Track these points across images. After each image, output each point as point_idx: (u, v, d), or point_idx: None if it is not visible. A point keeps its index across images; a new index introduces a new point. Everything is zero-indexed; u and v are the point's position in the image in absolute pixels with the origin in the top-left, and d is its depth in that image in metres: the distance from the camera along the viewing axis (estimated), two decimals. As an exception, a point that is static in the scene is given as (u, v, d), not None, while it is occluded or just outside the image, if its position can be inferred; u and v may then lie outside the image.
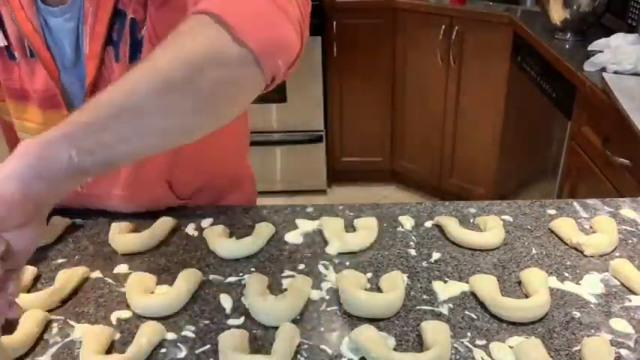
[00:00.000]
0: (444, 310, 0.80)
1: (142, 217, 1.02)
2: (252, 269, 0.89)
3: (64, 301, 0.83)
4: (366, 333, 0.73)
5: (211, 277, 0.88)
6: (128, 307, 0.82)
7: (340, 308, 0.81)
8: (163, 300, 0.81)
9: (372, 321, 0.78)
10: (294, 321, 0.78)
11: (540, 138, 2.29)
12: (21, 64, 0.90)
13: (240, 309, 0.81)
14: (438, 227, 0.98)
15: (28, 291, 0.86)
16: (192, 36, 0.63)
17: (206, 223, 1.01)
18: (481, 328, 0.77)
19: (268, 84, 0.69)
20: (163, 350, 0.75)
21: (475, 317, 0.79)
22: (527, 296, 0.81)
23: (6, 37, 0.89)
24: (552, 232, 0.96)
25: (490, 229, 0.95)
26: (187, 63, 0.62)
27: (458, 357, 0.72)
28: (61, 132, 0.59)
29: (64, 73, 0.91)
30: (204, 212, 1.04)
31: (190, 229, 0.99)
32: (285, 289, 0.84)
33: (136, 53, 0.89)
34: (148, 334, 0.74)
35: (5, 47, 0.90)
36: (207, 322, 0.79)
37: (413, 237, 0.96)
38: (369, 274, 0.87)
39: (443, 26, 2.70)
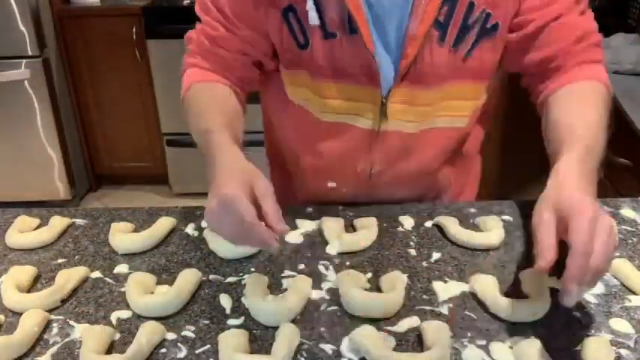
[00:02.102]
0: (444, 310, 0.80)
1: (142, 217, 1.02)
2: (252, 269, 0.89)
3: (64, 301, 0.84)
4: (366, 333, 0.73)
5: (211, 277, 0.88)
6: (128, 307, 0.82)
7: (340, 308, 0.81)
8: (163, 300, 0.81)
9: (372, 321, 0.78)
10: (294, 321, 0.78)
11: (540, 138, 2.29)
12: (342, 41, 0.91)
13: (240, 309, 0.81)
14: (438, 227, 0.98)
15: (28, 291, 0.86)
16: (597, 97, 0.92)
17: (206, 223, 1.00)
18: (481, 328, 0.77)
19: None
20: (163, 350, 0.75)
21: (475, 317, 0.79)
22: (527, 296, 0.81)
23: (321, 17, 0.90)
24: (552, 232, 0.96)
25: (490, 229, 0.95)
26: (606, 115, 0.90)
27: (458, 357, 0.72)
28: None
29: (381, 50, 0.92)
30: (204, 212, 1.03)
31: (190, 229, 0.99)
32: (285, 289, 0.84)
33: (462, 38, 0.91)
34: (147, 334, 0.74)
35: (320, 26, 0.91)
36: (207, 322, 0.79)
37: (413, 237, 0.96)
38: (369, 274, 0.87)
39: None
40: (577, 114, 0.89)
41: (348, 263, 0.90)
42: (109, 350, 0.75)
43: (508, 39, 0.95)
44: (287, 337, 0.72)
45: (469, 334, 0.76)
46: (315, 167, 1.07)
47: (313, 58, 0.93)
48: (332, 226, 0.96)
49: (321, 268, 0.89)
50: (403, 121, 0.97)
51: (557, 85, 0.95)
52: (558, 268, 0.85)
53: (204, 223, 1.00)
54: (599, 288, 0.84)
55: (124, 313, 0.81)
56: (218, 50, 0.98)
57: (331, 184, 1.07)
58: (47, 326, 0.79)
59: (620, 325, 0.77)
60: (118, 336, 0.77)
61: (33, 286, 0.87)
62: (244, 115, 1.01)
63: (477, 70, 0.96)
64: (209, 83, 0.99)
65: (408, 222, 0.99)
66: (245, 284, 0.85)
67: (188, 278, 0.85)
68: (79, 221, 1.02)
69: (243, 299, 0.83)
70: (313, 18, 0.90)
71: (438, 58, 0.91)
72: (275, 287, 0.86)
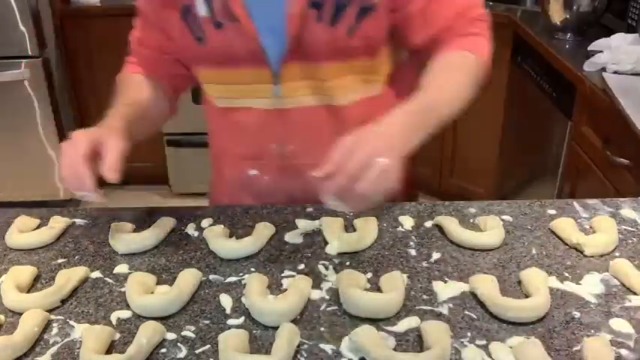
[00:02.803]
0: (444, 310, 0.80)
1: (142, 217, 1.02)
2: (252, 269, 0.89)
3: (64, 301, 0.84)
4: (366, 333, 0.73)
5: (211, 277, 0.88)
6: (128, 307, 0.82)
7: (340, 308, 0.81)
8: (163, 300, 0.81)
9: (372, 321, 0.78)
10: (294, 321, 0.78)
11: (540, 138, 2.29)
12: (227, 29, 0.97)
13: (240, 309, 0.81)
14: (438, 227, 0.98)
15: (28, 291, 0.86)
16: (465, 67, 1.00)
17: (206, 223, 1.01)
18: (481, 328, 0.77)
19: None
20: (163, 350, 0.75)
21: (475, 317, 0.79)
22: (527, 296, 0.81)
23: (210, 8, 0.96)
24: (552, 232, 0.96)
25: (490, 229, 0.95)
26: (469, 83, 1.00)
27: (458, 357, 0.72)
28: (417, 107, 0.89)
29: (265, 35, 0.97)
30: (204, 212, 1.04)
31: (190, 229, 0.99)
32: (285, 289, 0.84)
33: (338, 16, 0.95)
34: (147, 334, 0.74)
35: (211, 18, 0.97)
36: (207, 322, 0.79)
37: (413, 237, 0.96)
38: (369, 274, 0.87)
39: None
40: (430, 80, 0.95)
41: (348, 263, 0.90)
42: (109, 350, 0.75)
43: (392, 18, 0.99)
44: (287, 337, 0.72)
45: (469, 334, 0.76)
46: (235, 156, 1.12)
47: (209, 50, 0.99)
48: (332, 226, 0.97)
49: (321, 268, 0.89)
50: (300, 96, 1.02)
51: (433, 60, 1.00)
52: (558, 268, 0.84)
53: (204, 223, 1.00)
54: (599, 288, 0.84)
55: (124, 313, 0.81)
56: (141, 49, 1.12)
57: (252, 172, 1.10)
58: (47, 326, 0.79)
59: (620, 325, 0.77)
60: (118, 336, 0.77)
61: (33, 286, 0.87)
62: (161, 100, 1.13)
63: (365, 47, 1.00)
64: (129, 75, 1.13)
65: (408, 222, 0.99)
66: (245, 284, 0.85)
67: (188, 278, 0.85)
68: (79, 221, 1.02)
69: (243, 299, 0.83)
70: (202, 9, 0.96)
71: (319, 36, 0.96)
72: (275, 287, 0.86)
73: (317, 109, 1.04)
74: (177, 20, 1.00)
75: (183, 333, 0.77)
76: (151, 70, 1.12)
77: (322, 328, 0.77)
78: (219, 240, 0.93)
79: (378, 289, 0.84)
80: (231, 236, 0.97)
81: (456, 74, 0.99)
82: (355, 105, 1.04)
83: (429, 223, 0.99)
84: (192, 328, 0.78)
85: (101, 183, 0.88)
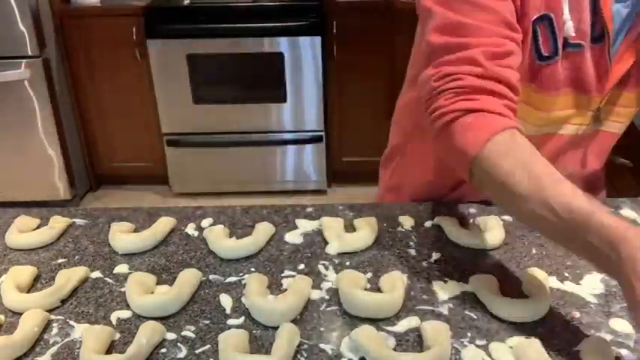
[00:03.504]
0: (444, 310, 0.80)
1: (142, 217, 1.02)
2: (252, 269, 0.89)
3: (64, 301, 0.84)
4: (366, 333, 0.73)
5: (211, 277, 0.88)
6: (128, 307, 0.82)
7: (340, 308, 0.81)
8: (163, 300, 0.81)
9: (372, 321, 0.78)
10: (294, 321, 0.78)
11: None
12: (585, 52, 0.87)
13: (240, 309, 0.81)
14: (438, 227, 0.98)
15: (28, 291, 0.86)
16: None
17: (206, 223, 1.01)
18: (481, 328, 0.77)
19: None
20: (163, 350, 0.75)
21: (475, 317, 0.79)
22: (527, 296, 0.81)
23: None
24: (552, 232, 0.96)
25: (490, 229, 0.95)
26: None
27: (458, 357, 0.72)
28: None
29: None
30: (204, 212, 1.04)
31: (190, 229, 0.99)
32: (285, 289, 0.84)
33: None
34: (147, 334, 0.74)
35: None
36: (207, 322, 0.79)
37: (413, 237, 0.96)
38: (369, 274, 0.87)
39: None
40: None
41: (348, 263, 0.90)
42: (109, 350, 0.75)
43: None
44: (287, 337, 0.72)
45: (469, 334, 0.76)
46: None
47: (554, 70, 0.87)
48: (332, 226, 0.96)
49: (321, 268, 0.89)
50: (608, 123, 0.96)
51: None
52: (558, 268, 0.84)
53: (204, 223, 1.00)
54: (599, 288, 0.84)
55: (124, 313, 0.81)
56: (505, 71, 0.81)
57: None
58: (47, 326, 0.79)
59: (620, 325, 0.77)
60: (118, 336, 0.77)
61: (33, 286, 0.87)
62: None
63: None
64: (515, 146, 0.78)
65: (408, 222, 0.99)
66: (245, 284, 0.85)
67: (188, 278, 0.85)
68: (79, 221, 1.02)
69: (243, 299, 0.83)
70: (569, 28, 0.84)
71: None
72: (275, 287, 0.86)
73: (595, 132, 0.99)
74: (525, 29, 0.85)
75: (183, 333, 0.77)
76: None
77: (322, 328, 0.77)
78: (219, 240, 0.93)
79: (378, 289, 0.84)
80: (231, 236, 0.97)
81: None
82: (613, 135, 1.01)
83: (429, 223, 0.99)
84: (192, 328, 0.78)
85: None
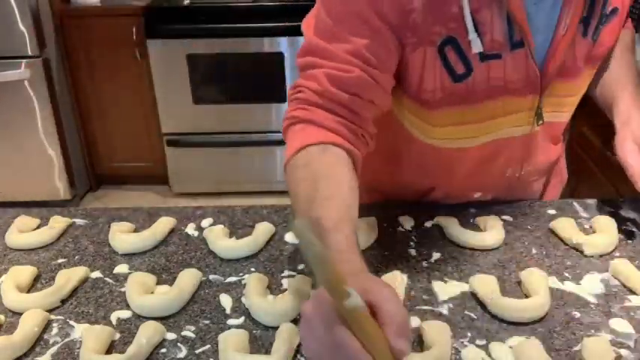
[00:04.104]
0: (444, 310, 0.80)
1: (142, 217, 1.02)
2: (252, 269, 0.89)
3: (64, 301, 0.84)
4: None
5: (211, 277, 0.88)
6: (128, 307, 0.82)
7: (340, 308, 0.81)
8: (163, 300, 0.81)
9: (372, 321, 0.77)
10: (294, 321, 0.78)
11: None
12: (506, 60, 0.87)
13: (240, 309, 0.81)
14: (438, 227, 0.98)
15: (28, 291, 0.86)
16: None
17: (206, 223, 1.01)
18: (481, 328, 0.77)
19: None
20: (163, 350, 0.75)
21: (475, 317, 0.79)
22: (527, 296, 0.81)
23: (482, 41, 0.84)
24: (552, 232, 0.96)
25: (490, 229, 0.95)
26: None
27: (458, 357, 0.72)
28: None
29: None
30: (204, 212, 1.04)
31: (190, 229, 0.99)
32: (285, 289, 0.84)
33: (599, 27, 0.92)
34: (147, 334, 0.74)
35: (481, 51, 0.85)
36: (207, 322, 0.79)
37: (413, 237, 0.96)
38: (369, 274, 0.87)
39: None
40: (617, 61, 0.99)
41: (348, 263, 0.90)
42: (109, 350, 0.75)
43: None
44: (287, 337, 0.72)
45: (469, 334, 0.76)
46: (463, 186, 1.05)
47: (474, 84, 0.88)
48: (332, 226, 0.96)
49: (321, 268, 0.89)
50: (550, 115, 0.97)
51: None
52: (558, 268, 0.84)
53: (204, 223, 1.00)
54: (599, 288, 0.84)
55: (124, 313, 0.81)
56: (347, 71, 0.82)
57: (477, 195, 1.06)
58: (47, 326, 0.79)
59: (620, 325, 0.77)
60: (118, 336, 0.77)
61: (33, 286, 0.87)
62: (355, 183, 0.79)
63: (600, 55, 0.97)
64: (318, 159, 0.78)
65: (408, 222, 0.99)
66: (245, 284, 0.85)
67: (188, 278, 0.85)
68: (79, 221, 1.02)
69: (243, 299, 0.83)
70: (477, 45, 0.84)
71: (580, 51, 0.92)
72: (275, 287, 0.86)
73: (559, 124, 1.01)
74: (432, 57, 0.85)
75: (183, 333, 0.77)
76: (353, 114, 0.83)
77: (322, 328, 0.77)
78: (219, 240, 0.93)
79: (378, 289, 0.84)
80: (231, 236, 0.97)
81: (630, 51, 1.02)
82: (561, 123, 1.02)
83: (429, 223, 0.99)
84: (192, 328, 0.78)
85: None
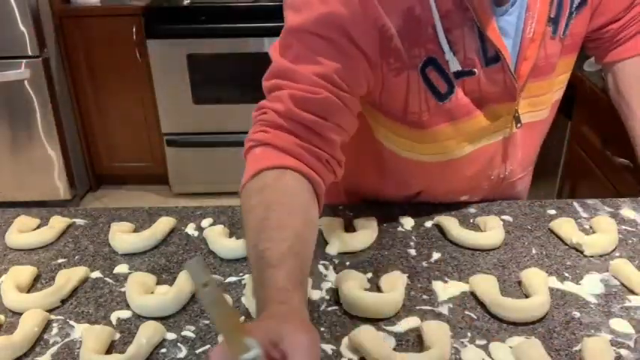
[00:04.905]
0: (444, 310, 0.80)
1: (142, 217, 1.02)
2: (252, 269, 0.89)
3: (64, 301, 0.84)
4: (366, 333, 0.73)
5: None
6: (128, 307, 0.82)
7: (340, 308, 0.81)
8: (163, 300, 0.81)
9: (372, 321, 0.78)
10: (294, 321, 0.78)
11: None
12: (480, 76, 0.87)
13: (240, 309, 0.81)
14: (438, 227, 0.98)
15: (28, 291, 0.86)
16: None
17: (206, 223, 1.01)
18: (481, 328, 0.77)
19: None
20: (163, 350, 0.75)
21: (475, 317, 0.79)
22: (527, 296, 0.81)
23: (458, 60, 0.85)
24: (552, 232, 0.97)
25: (490, 229, 0.95)
26: None
27: (458, 357, 0.72)
28: None
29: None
30: (204, 212, 1.04)
31: (190, 229, 0.99)
32: (285, 289, 0.84)
33: (567, 25, 0.92)
34: (147, 334, 0.74)
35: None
36: (207, 322, 0.79)
37: (413, 237, 0.96)
38: (369, 274, 0.87)
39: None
40: None
41: (348, 263, 0.90)
42: (109, 350, 0.75)
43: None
44: (287, 337, 0.72)
45: (469, 334, 0.76)
46: (449, 191, 1.05)
47: (457, 100, 0.89)
48: (332, 226, 0.96)
49: (321, 268, 0.89)
50: (527, 115, 0.97)
51: (617, 57, 1.06)
52: (558, 268, 0.84)
53: (204, 223, 1.00)
54: (599, 288, 0.84)
55: (124, 313, 0.81)
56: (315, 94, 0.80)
57: (463, 198, 1.06)
58: (47, 326, 0.79)
59: (620, 325, 0.77)
60: (118, 336, 0.77)
61: (33, 286, 0.87)
62: (315, 211, 0.77)
63: (572, 45, 0.97)
64: (274, 183, 0.75)
65: (408, 222, 0.99)
66: (245, 284, 0.85)
67: (188, 278, 0.85)
68: (79, 221, 1.02)
69: (243, 299, 0.83)
70: (453, 64, 0.85)
71: (552, 50, 0.92)
72: (275, 287, 0.85)
73: (537, 122, 1.01)
74: (415, 80, 0.85)
75: (183, 333, 0.77)
76: (315, 136, 0.80)
77: (322, 328, 0.77)
78: (219, 240, 0.93)
79: (378, 289, 0.84)
80: (231, 236, 0.97)
81: None
82: (541, 121, 1.03)
83: (429, 223, 0.99)
84: (192, 328, 0.78)
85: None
